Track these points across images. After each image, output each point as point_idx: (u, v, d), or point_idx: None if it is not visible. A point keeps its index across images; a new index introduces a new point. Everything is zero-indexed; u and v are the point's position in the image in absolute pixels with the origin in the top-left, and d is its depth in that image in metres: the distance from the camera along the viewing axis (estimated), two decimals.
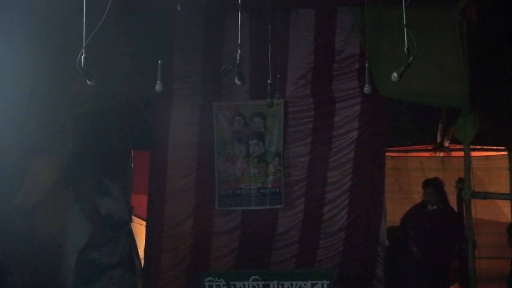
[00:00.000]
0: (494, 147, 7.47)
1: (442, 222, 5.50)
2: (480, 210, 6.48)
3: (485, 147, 7.36)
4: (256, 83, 5.62)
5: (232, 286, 4.90)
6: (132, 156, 6.44)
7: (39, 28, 4.87)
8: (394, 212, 6.24)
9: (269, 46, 4.47)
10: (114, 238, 4.93)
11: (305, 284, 4.87)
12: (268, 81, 4.47)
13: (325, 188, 5.80)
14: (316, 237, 5.79)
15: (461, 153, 5.68)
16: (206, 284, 4.90)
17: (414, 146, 7.35)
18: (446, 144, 7.27)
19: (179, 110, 5.89)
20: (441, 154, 7.60)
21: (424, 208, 5.62)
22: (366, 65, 4.27)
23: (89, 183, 4.98)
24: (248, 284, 4.90)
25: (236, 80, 3.33)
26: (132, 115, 6.24)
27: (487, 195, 5.72)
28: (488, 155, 7.60)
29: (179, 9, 3.95)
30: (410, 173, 7.24)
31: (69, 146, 5.15)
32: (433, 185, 5.60)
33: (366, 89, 4.31)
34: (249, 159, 5.88)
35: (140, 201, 6.23)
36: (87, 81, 3.04)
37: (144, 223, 6.07)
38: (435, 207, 5.57)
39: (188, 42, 5.86)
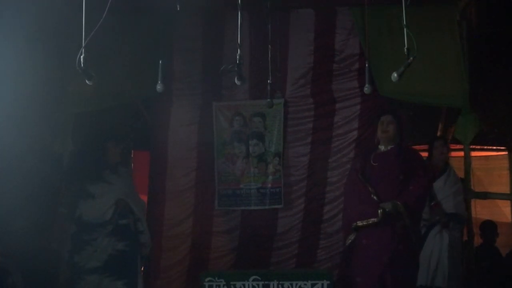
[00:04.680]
0: (494, 147, 7.48)
1: (395, 159, 4.43)
2: (480, 210, 6.50)
3: (485, 147, 7.37)
4: (256, 83, 5.63)
5: (232, 286, 4.90)
6: (132, 156, 6.44)
7: (39, 28, 4.86)
8: None
9: (269, 46, 4.47)
10: (91, 241, 4.75)
11: (305, 284, 4.87)
12: (268, 81, 4.47)
13: (325, 188, 5.80)
14: (316, 237, 5.78)
15: (461, 153, 5.68)
16: (206, 284, 4.90)
17: (414, 146, 7.36)
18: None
19: (179, 110, 5.89)
20: None
21: (373, 151, 4.61)
22: (366, 65, 4.27)
23: (72, 189, 4.92)
24: (248, 284, 4.90)
25: (236, 80, 3.33)
26: (132, 115, 6.24)
27: (487, 195, 5.74)
28: (488, 155, 7.62)
29: (178, 9, 3.95)
30: None
31: (69, 146, 5.15)
32: (392, 113, 4.58)
33: (366, 89, 4.32)
34: (249, 159, 5.88)
35: None
36: (87, 81, 3.04)
37: None
38: (389, 147, 4.54)
39: (188, 42, 5.86)
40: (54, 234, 5.00)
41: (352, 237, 4.52)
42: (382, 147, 4.61)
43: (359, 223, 4.42)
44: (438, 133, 6.23)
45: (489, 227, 6.24)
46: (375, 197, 4.39)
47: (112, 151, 5.00)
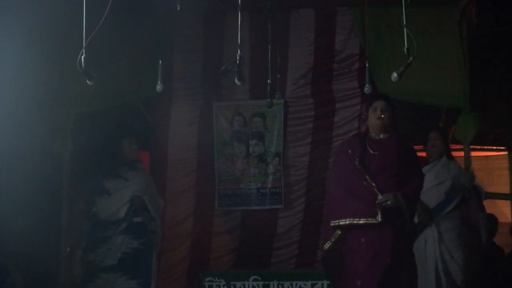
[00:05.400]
0: (494, 147, 7.49)
1: (395, 149, 3.99)
2: None
3: (485, 147, 7.37)
4: (256, 83, 5.63)
5: (232, 286, 4.91)
6: None
7: (39, 28, 4.87)
8: None
9: (269, 46, 4.46)
10: (106, 238, 4.70)
11: (305, 284, 4.88)
12: (268, 81, 4.47)
13: (325, 188, 5.79)
14: (316, 237, 5.77)
15: (461, 153, 5.68)
16: (206, 284, 4.92)
17: (414, 146, 7.34)
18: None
19: (179, 110, 5.89)
20: None
21: (366, 138, 4.08)
22: (366, 65, 4.27)
23: (89, 185, 4.90)
24: (248, 284, 4.91)
25: (236, 80, 3.32)
26: (132, 115, 6.24)
27: (487, 195, 5.72)
28: (488, 155, 7.62)
29: (179, 9, 3.95)
30: None
31: (69, 146, 5.15)
32: (386, 99, 4.11)
33: (366, 89, 4.32)
34: (249, 159, 5.88)
35: None
36: (87, 81, 3.04)
37: None
38: (382, 135, 4.07)
39: (188, 42, 5.87)
40: (70, 231, 4.98)
41: (336, 236, 4.00)
42: (374, 135, 4.10)
43: (350, 221, 3.89)
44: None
45: (490, 221, 6.22)
46: (379, 193, 3.89)
47: (127, 147, 4.92)
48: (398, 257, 3.92)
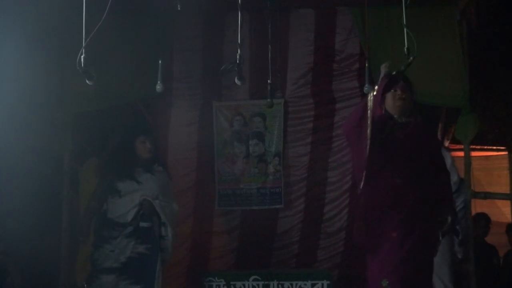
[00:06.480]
0: (494, 147, 7.48)
1: (416, 134, 3.68)
2: (479, 210, 6.50)
3: (485, 147, 7.37)
4: (256, 83, 5.63)
5: (232, 286, 4.91)
6: None
7: (39, 28, 4.87)
8: None
9: (269, 46, 4.46)
10: (110, 239, 4.63)
11: (305, 284, 4.88)
12: (268, 81, 4.47)
13: (325, 188, 5.81)
14: (316, 237, 5.79)
15: (461, 153, 5.69)
16: (206, 284, 4.91)
17: None
18: (446, 144, 7.28)
19: (179, 110, 5.89)
20: None
21: (390, 121, 3.71)
22: (366, 65, 4.27)
23: (103, 185, 4.86)
24: (248, 284, 4.91)
25: (236, 80, 3.32)
26: (132, 115, 6.24)
27: (487, 195, 5.72)
28: (488, 155, 7.62)
29: (179, 9, 3.95)
30: None
31: (69, 146, 5.15)
32: (404, 80, 3.73)
33: (366, 89, 4.32)
34: (249, 159, 5.89)
35: None
36: (87, 81, 3.04)
37: None
38: (404, 119, 3.74)
39: (188, 42, 5.86)
40: (81, 228, 4.96)
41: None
42: (396, 117, 3.75)
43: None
44: (439, 133, 6.23)
45: (483, 220, 6.22)
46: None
47: (141, 147, 4.84)
48: (428, 255, 3.59)
